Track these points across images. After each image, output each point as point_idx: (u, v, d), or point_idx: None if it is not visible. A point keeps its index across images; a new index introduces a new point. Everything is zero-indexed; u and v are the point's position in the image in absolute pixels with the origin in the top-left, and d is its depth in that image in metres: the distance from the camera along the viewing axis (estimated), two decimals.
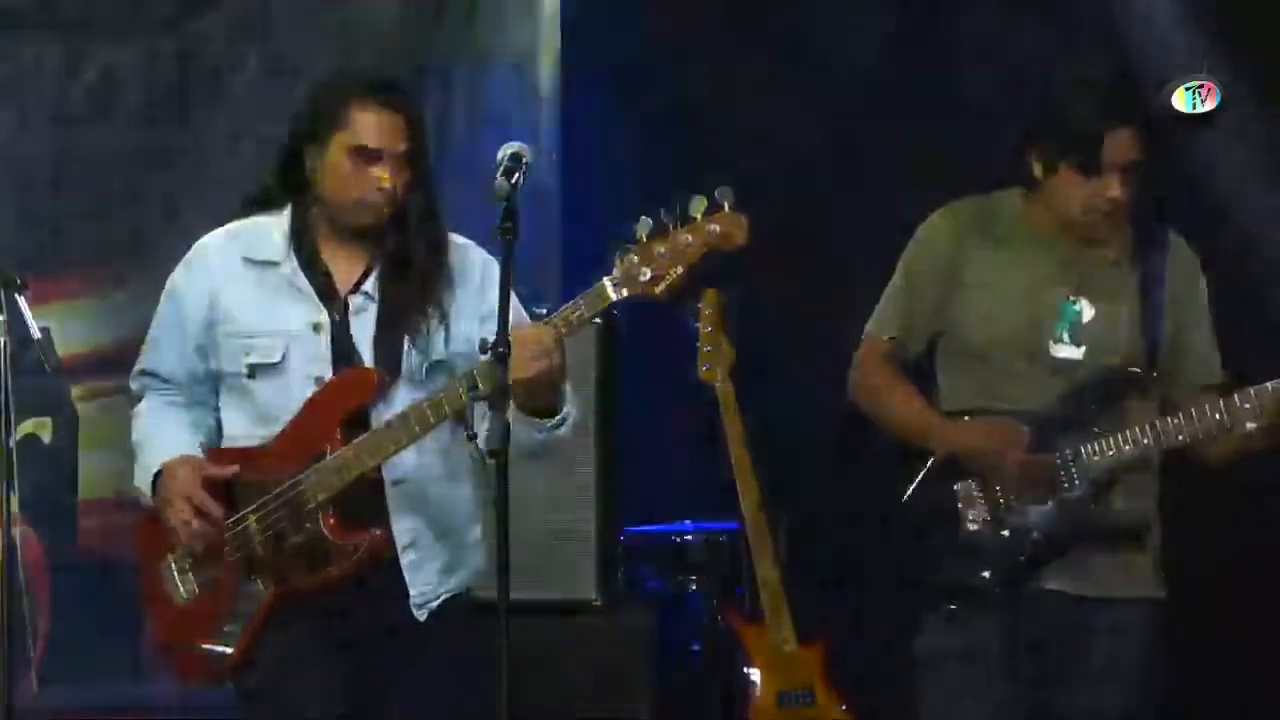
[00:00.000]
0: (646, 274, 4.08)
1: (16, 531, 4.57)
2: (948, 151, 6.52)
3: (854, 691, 6.30)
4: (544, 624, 5.66)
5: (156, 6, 6.88)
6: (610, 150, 7.01)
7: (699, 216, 4.06)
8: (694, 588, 6.52)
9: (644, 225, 4.09)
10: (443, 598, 4.38)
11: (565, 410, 4.27)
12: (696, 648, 6.50)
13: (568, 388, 4.28)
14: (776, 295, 6.84)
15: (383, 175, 4.28)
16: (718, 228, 4.07)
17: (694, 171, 6.73)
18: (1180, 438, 4.45)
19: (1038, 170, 4.52)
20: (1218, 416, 4.42)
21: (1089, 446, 4.49)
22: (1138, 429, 4.46)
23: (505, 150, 4.09)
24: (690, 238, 4.07)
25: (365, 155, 4.29)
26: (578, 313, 4.13)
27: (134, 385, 4.54)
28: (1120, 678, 4.52)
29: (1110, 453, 4.47)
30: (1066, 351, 4.54)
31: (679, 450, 6.86)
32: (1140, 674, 4.54)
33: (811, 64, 6.97)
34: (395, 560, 4.34)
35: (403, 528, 4.34)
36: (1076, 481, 4.49)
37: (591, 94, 7.11)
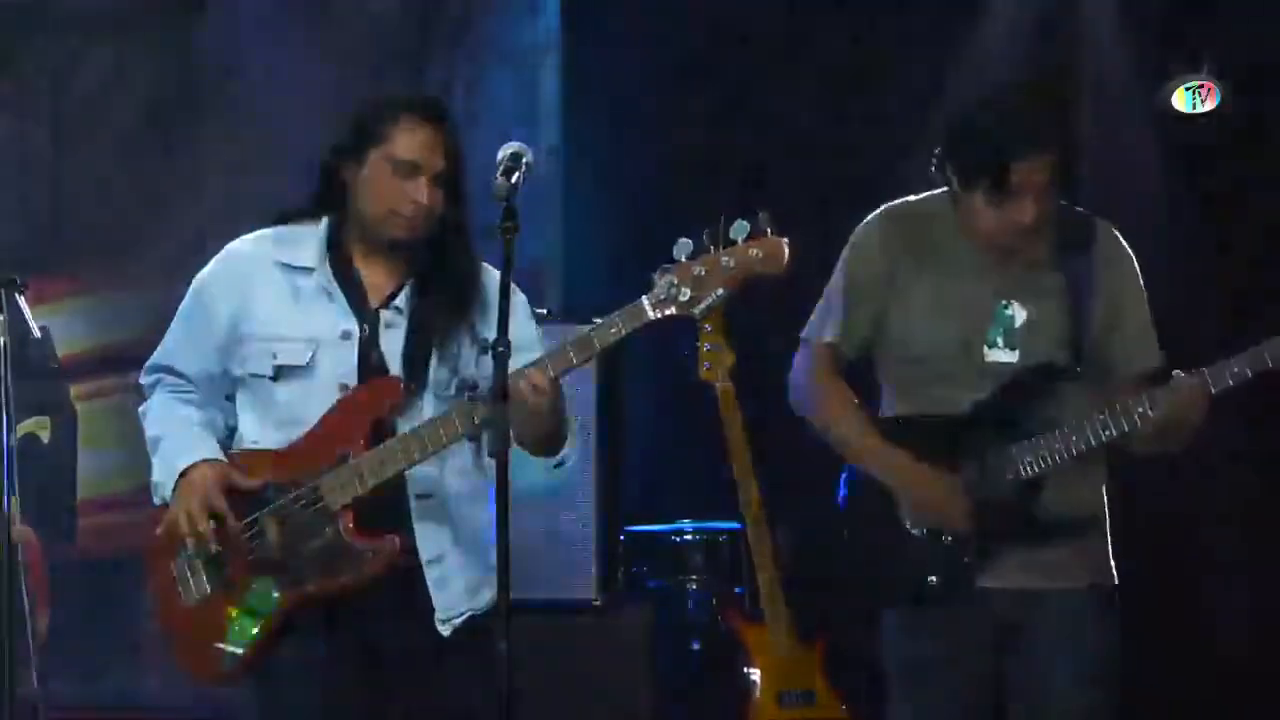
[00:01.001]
0: (686, 294, 4.08)
1: (16, 531, 4.57)
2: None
3: (854, 691, 6.30)
4: (544, 623, 5.66)
5: (158, 5, 6.88)
6: (611, 149, 7.01)
7: (740, 240, 4.06)
8: (694, 587, 6.53)
9: (683, 246, 4.08)
10: (466, 615, 4.38)
11: (565, 451, 4.30)
12: (696, 647, 6.50)
13: (572, 424, 4.31)
14: (778, 294, 6.84)
15: (419, 189, 4.29)
16: (760, 252, 4.07)
17: (696, 170, 6.77)
18: (1107, 433, 4.45)
19: (956, 186, 4.52)
20: (1141, 410, 4.41)
21: (1017, 446, 4.49)
22: (1065, 427, 4.47)
23: (505, 150, 4.09)
24: (731, 261, 4.07)
25: (403, 169, 4.29)
26: (614, 329, 4.13)
27: (145, 380, 4.52)
28: (1079, 663, 4.52)
29: (1041, 451, 4.48)
30: (1001, 355, 4.55)
31: (679, 450, 6.86)
32: (1094, 659, 4.54)
33: (813, 61, 6.97)
34: (420, 574, 4.33)
35: (428, 543, 4.33)
36: (1010, 480, 4.50)
37: (592, 93, 7.11)
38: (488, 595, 4.39)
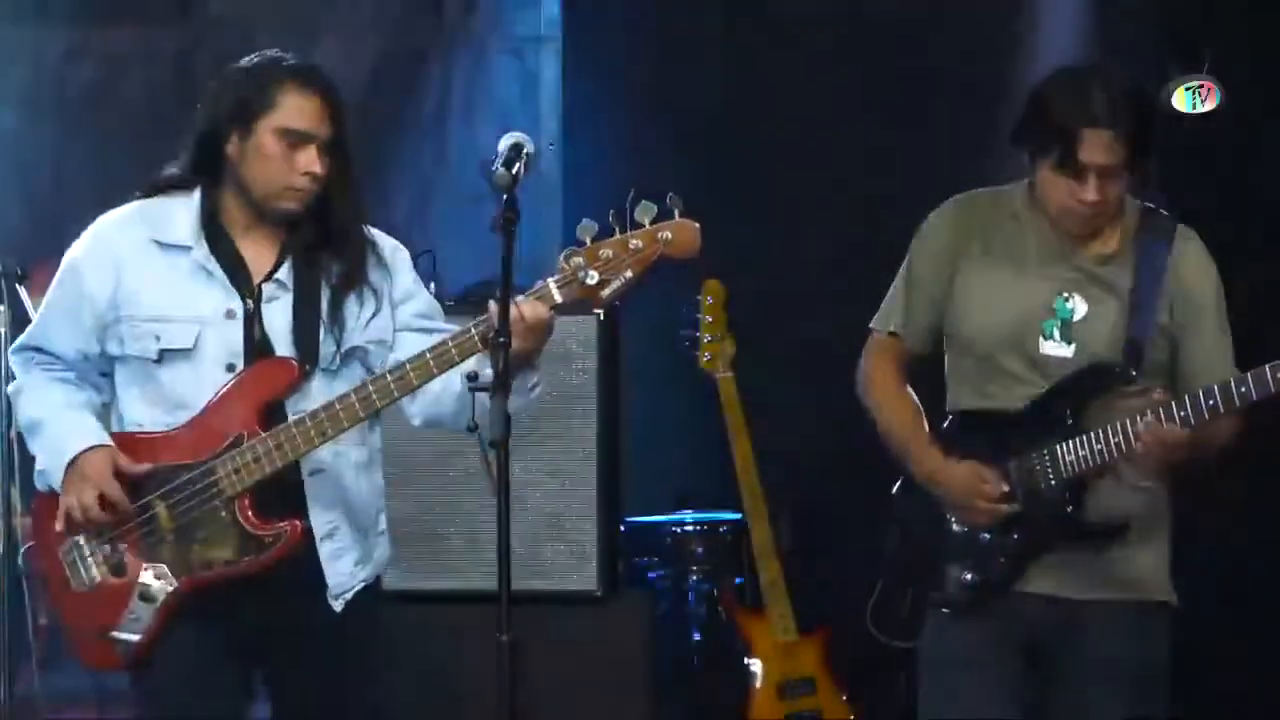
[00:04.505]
0: (593, 277, 4.03)
1: (17, 522, 4.57)
2: (952, 140, 6.52)
3: (855, 682, 6.31)
4: (544, 614, 5.66)
5: None
6: (612, 140, 7.00)
7: (648, 222, 4.01)
8: (695, 578, 6.53)
9: (588, 228, 4.03)
10: (357, 588, 4.38)
11: (537, 377, 4.24)
12: (697, 638, 6.50)
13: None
14: (778, 286, 6.84)
15: (311, 160, 4.26)
16: (670, 234, 4.02)
17: (697, 162, 6.76)
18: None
19: (1028, 163, 4.48)
20: (1182, 414, 4.30)
21: (1062, 446, 4.43)
22: (1107, 429, 4.38)
23: (506, 141, 4.07)
24: (640, 243, 4.02)
25: (294, 138, 4.25)
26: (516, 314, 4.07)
27: (16, 358, 4.44)
28: (1114, 681, 4.45)
29: (1082, 453, 4.40)
30: (1055, 349, 4.48)
31: (680, 441, 6.86)
32: (1135, 678, 4.46)
33: (814, 53, 6.97)
34: (313, 552, 4.31)
35: (321, 519, 4.31)
36: (1052, 481, 4.46)
37: (593, 83, 7.11)
38: (373, 565, 4.41)
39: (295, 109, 4.26)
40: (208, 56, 6.87)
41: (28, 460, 4.47)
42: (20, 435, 4.54)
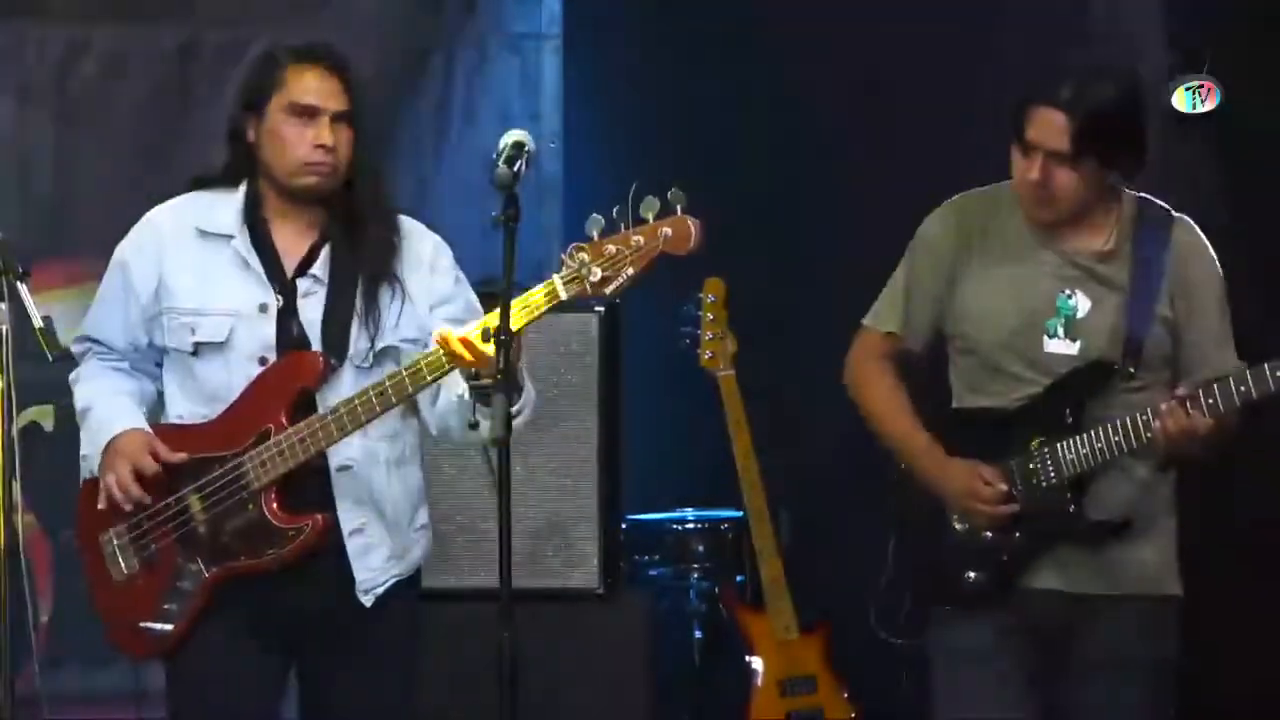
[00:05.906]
0: (597, 274, 4.04)
1: (19, 519, 4.57)
2: (951, 140, 6.52)
3: (856, 679, 6.31)
4: (545, 612, 5.67)
5: None
6: (613, 138, 7.00)
7: (651, 218, 4.02)
8: (696, 576, 6.53)
9: (595, 223, 4.04)
10: (388, 584, 4.38)
11: (522, 400, 4.24)
12: (698, 636, 6.51)
13: (526, 380, 4.27)
14: (778, 286, 6.85)
15: (322, 133, 4.28)
16: (669, 231, 4.02)
17: (699, 160, 6.76)
18: (1149, 435, 4.36)
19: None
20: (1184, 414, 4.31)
21: (1062, 444, 4.44)
22: (1108, 425, 4.39)
23: (507, 138, 4.08)
24: (642, 240, 4.03)
25: (303, 113, 4.29)
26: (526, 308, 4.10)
27: (76, 349, 4.51)
28: (1123, 676, 4.47)
29: (1082, 450, 4.42)
30: (1060, 347, 4.48)
31: (681, 438, 6.86)
32: (1145, 672, 4.49)
33: (814, 53, 6.97)
34: (341, 546, 4.33)
35: (349, 514, 4.34)
36: (1052, 480, 4.47)
37: (593, 81, 7.11)
38: (409, 561, 4.43)
39: (301, 84, 4.31)
40: (208, 55, 6.88)
41: (29, 459, 4.48)
42: (22, 433, 4.56)
